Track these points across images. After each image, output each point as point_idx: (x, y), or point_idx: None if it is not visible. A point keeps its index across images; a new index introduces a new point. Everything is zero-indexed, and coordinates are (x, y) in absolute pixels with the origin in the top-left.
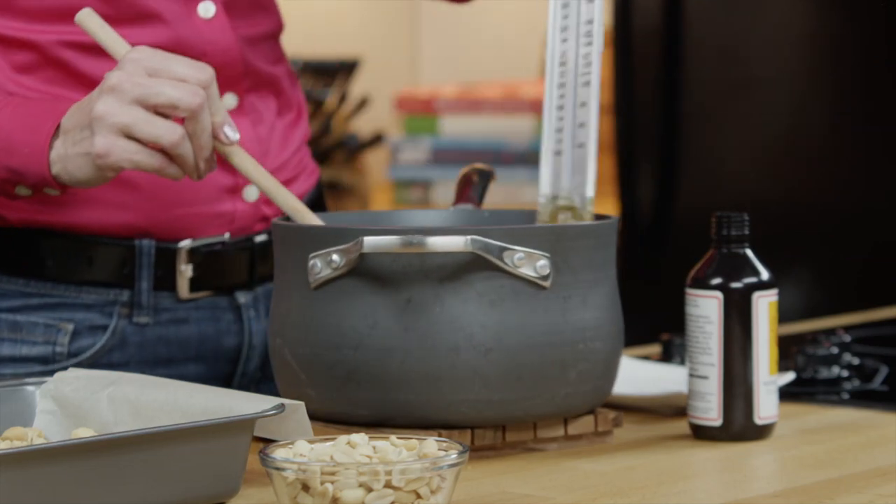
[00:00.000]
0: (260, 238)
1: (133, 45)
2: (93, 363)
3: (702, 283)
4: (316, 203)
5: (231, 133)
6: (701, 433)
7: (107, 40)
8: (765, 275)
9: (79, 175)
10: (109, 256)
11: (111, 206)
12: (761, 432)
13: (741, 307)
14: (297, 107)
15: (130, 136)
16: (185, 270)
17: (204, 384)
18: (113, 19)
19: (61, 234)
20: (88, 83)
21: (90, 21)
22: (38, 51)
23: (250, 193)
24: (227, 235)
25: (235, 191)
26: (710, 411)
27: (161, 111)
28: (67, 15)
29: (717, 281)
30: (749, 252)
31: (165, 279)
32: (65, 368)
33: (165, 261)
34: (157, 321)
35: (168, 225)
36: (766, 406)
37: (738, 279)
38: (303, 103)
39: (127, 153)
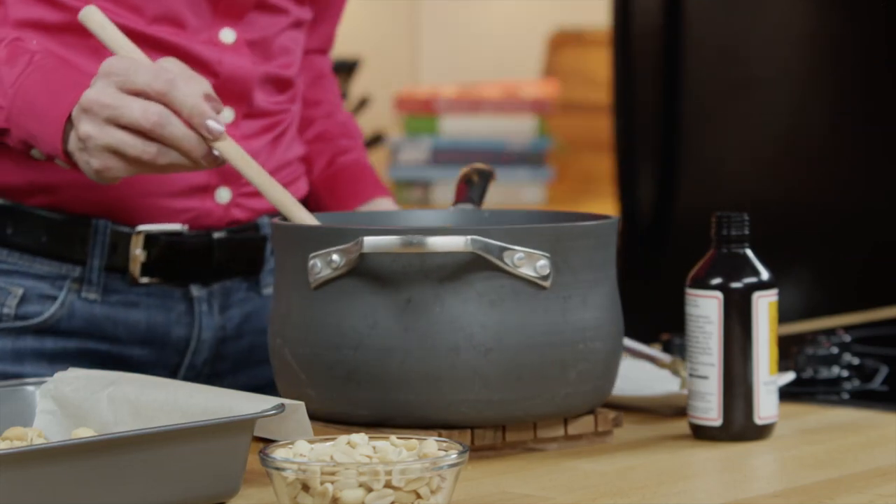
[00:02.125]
0: (218, 234)
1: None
2: (39, 329)
3: (702, 283)
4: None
5: (214, 125)
6: (701, 433)
7: (108, 40)
8: (765, 275)
9: (89, 177)
10: (65, 231)
11: (75, 183)
12: (761, 432)
13: (741, 307)
14: (287, 135)
15: (119, 153)
16: (139, 255)
17: (154, 371)
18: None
19: (19, 202)
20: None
21: (91, 20)
22: (71, 16)
23: (223, 195)
24: (185, 227)
25: (207, 190)
26: (710, 411)
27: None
28: None
29: (717, 281)
30: (749, 252)
31: (119, 261)
32: (10, 331)
33: (120, 243)
34: (107, 301)
35: (129, 211)
36: (766, 406)
37: (738, 279)
38: (294, 124)
39: (122, 171)
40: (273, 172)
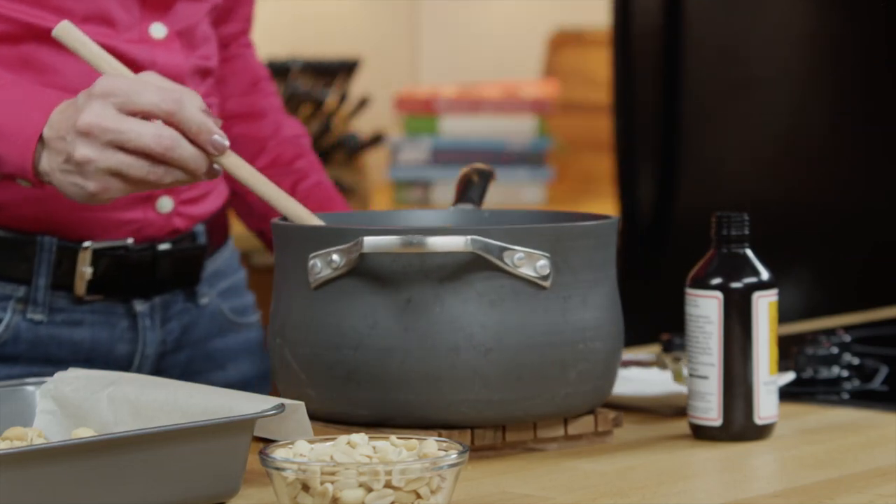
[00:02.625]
0: (163, 246)
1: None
2: None
3: (702, 283)
4: (216, 225)
5: (220, 140)
6: (701, 433)
7: (91, 56)
8: (765, 275)
9: (71, 196)
10: (9, 250)
11: (18, 201)
12: (761, 432)
13: (741, 307)
14: None
15: (121, 176)
16: (85, 272)
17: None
18: (72, 16)
19: None
20: (45, 72)
21: (69, 36)
22: (3, 27)
23: (164, 204)
24: (130, 240)
25: (149, 200)
26: (710, 411)
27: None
28: (37, 2)
29: (717, 281)
30: (749, 252)
31: (64, 278)
32: None
33: (66, 260)
34: (52, 320)
35: (73, 226)
36: (766, 406)
37: (738, 279)
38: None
39: (122, 192)
40: None
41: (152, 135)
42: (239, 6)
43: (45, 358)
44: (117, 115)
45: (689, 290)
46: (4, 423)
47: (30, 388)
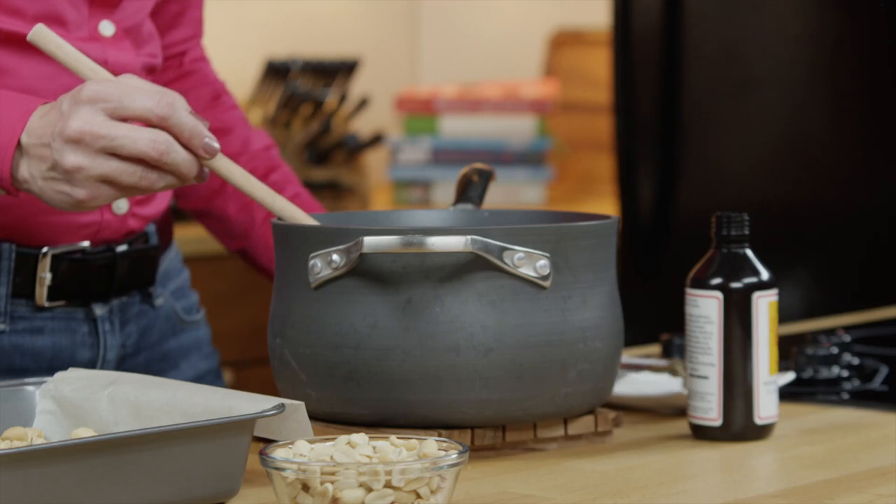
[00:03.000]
0: (121, 248)
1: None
2: None
3: (702, 283)
4: (164, 224)
5: (212, 144)
6: (701, 433)
7: (68, 60)
8: (765, 275)
9: (54, 204)
10: None
11: None
12: (761, 432)
13: (741, 307)
14: None
15: (112, 183)
16: (45, 278)
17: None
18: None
19: None
20: (2, 75)
21: (46, 40)
22: None
23: (120, 205)
24: (86, 243)
25: None
26: (710, 411)
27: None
28: None
29: (717, 281)
30: (749, 252)
31: (24, 286)
32: None
33: (25, 267)
34: (14, 329)
35: (30, 231)
36: (766, 406)
37: (737, 279)
38: None
39: (112, 198)
40: None
41: (147, 140)
42: (188, 9)
43: (8, 369)
44: (108, 121)
45: (690, 291)
46: (4, 423)
47: (30, 388)
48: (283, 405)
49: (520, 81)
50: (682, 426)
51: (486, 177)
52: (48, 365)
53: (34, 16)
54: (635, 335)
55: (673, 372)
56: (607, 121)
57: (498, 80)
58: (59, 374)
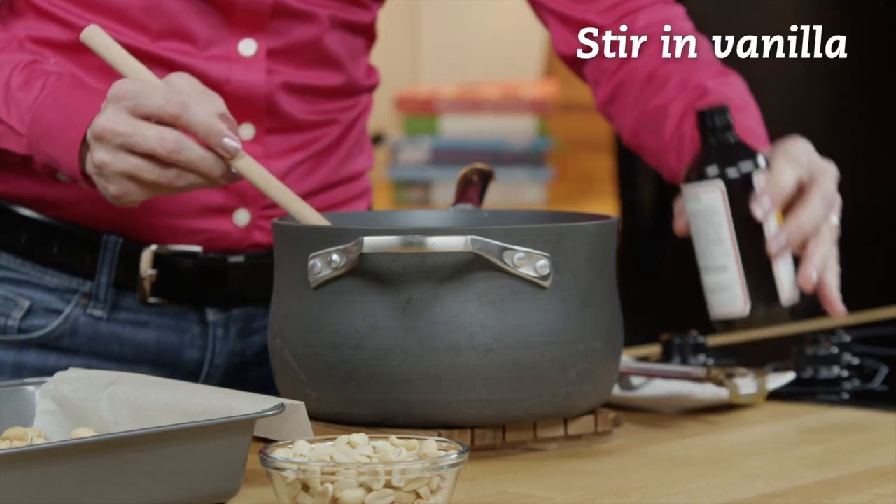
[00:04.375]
0: (235, 258)
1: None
2: (42, 344)
3: (701, 175)
4: None
5: (230, 144)
6: (730, 327)
7: (114, 60)
8: (758, 154)
9: (107, 198)
10: (74, 244)
11: (84, 198)
12: (788, 314)
13: (745, 190)
14: (338, 149)
15: (136, 179)
16: (149, 273)
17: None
18: (148, 31)
19: (37, 212)
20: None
21: (95, 40)
22: (76, 32)
23: (241, 217)
24: (198, 248)
25: (224, 211)
26: (736, 301)
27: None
28: (114, 14)
29: (714, 171)
30: (737, 137)
31: (127, 277)
32: (13, 343)
33: (129, 260)
34: (115, 318)
35: (141, 229)
36: (786, 284)
37: (734, 164)
38: (351, 151)
39: (141, 195)
40: (315, 192)
41: (156, 137)
42: None
43: (106, 354)
44: (128, 119)
45: (689, 186)
46: (4, 423)
47: (30, 388)
48: (283, 405)
49: (520, 81)
50: (682, 426)
51: (486, 177)
52: (151, 358)
53: (159, 32)
54: (635, 335)
55: (718, 382)
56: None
57: (498, 80)
58: (59, 374)
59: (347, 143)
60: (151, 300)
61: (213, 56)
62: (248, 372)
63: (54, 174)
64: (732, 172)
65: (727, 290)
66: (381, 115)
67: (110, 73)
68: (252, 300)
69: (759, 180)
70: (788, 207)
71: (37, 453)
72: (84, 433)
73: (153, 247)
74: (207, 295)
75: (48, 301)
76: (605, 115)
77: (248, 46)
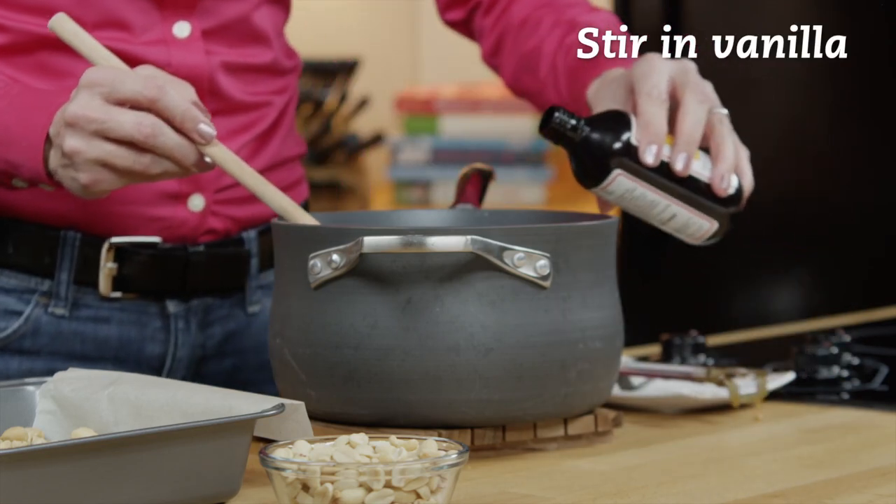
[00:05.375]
0: (196, 248)
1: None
2: (3, 348)
3: (595, 179)
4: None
5: (206, 129)
6: (713, 240)
7: (82, 48)
8: (621, 118)
9: (72, 191)
10: (32, 242)
11: (43, 193)
12: (741, 197)
13: (635, 152)
14: (276, 133)
15: (109, 166)
16: (110, 268)
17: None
18: (82, 22)
19: None
20: (62, 77)
21: (63, 28)
22: (15, 37)
23: (195, 203)
24: (158, 239)
25: (179, 198)
26: (702, 227)
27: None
28: (45, 11)
29: (600, 168)
30: (584, 122)
31: (87, 274)
32: None
33: (89, 255)
34: (76, 316)
35: (99, 220)
36: (723, 184)
37: (608, 147)
38: (285, 130)
39: (113, 183)
40: (264, 174)
41: (133, 122)
42: None
43: (69, 353)
44: (102, 105)
45: (595, 191)
46: (4, 423)
47: (30, 388)
48: (283, 405)
49: None
50: (682, 426)
51: (486, 177)
52: (114, 354)
53: (94, 22)
54: (635, 335)
55: (719, 382)
56: None
57: (498, 81)
58: (59, 374)
59: (283, 127)
60: (113, 294)
61: (150, 41)
62: (209, 364)
63: (11, 181)
64: (614, 155)
65: (689, 225)
66: (381, 115)
67: (47, 73)
68: (211, 291)
69: (635, 133)
70: (672, 116)
71: (37, 453)
72: (84, 433)
73: (115, 240)
74: (168, 287)
75: (6, 303)
76: (492, 67)
77: (182, 29)
